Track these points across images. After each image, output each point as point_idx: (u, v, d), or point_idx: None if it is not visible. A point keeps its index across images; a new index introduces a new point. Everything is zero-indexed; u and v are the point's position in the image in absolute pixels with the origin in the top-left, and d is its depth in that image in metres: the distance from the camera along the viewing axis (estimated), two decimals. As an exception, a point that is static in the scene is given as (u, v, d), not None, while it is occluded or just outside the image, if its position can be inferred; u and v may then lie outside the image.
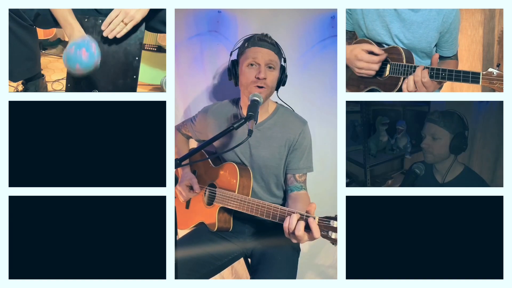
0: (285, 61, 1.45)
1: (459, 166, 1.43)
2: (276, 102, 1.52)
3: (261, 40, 1.37)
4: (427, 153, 1.43)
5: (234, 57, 1.46)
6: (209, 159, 1.57)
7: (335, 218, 1.07)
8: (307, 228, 1.08)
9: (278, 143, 1.45)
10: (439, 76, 1.31)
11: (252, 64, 1.36)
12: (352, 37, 1.59)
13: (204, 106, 1.63)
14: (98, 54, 1.36)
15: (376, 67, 1.43)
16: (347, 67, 1.48)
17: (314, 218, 1.08)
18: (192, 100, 1.92)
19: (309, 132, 1.50)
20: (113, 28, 1.40)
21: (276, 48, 1.39)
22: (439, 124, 1.39)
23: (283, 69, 1.44)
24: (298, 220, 1.09)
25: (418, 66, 1.34)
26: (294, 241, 1.12)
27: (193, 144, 1.74)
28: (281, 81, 1.44)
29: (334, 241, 1.06)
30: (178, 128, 1.72)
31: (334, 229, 1.05)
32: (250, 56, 1.36)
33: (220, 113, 1.55)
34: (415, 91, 1.36)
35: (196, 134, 1.63)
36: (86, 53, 1.32)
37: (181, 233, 1.60)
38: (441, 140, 1.39)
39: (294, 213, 1.12)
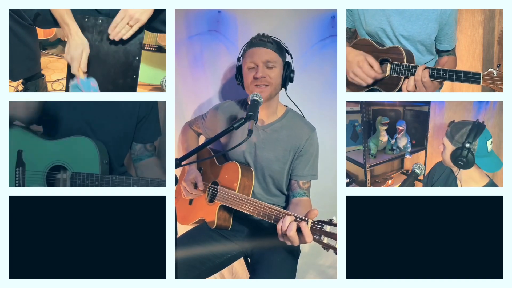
0: (291, 58, 1.45)
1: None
2: (286, 106, 1.53)
3: (258, 40, 1.38)
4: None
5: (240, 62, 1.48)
6: (214, 158, 1.58)
7: (328, 223, 1.07)
8: (300, 231, 1.10)
9: (284, 147, 1.45)
10: (440, 76, 1.31)
11: (251, 67, 1.38)
12: (352, 36, 1.59)
13: (215, 104, 1.64)
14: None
15: (370, 81, 1.45)
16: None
17: (307, 222, 1.09)
18: (192, 99, 1.91)
19: (317, 139, 1.49)
20: (119, 31, 1.41)
21: (274, 45, 1.39)
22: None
23: (287, 65, 1.44)
24: (291, 222, 1.11)
25: (419, 66, 1.35)
26: (288, 243, 1.13)
27: (203, 141, 1.74)
28: (287, 77, 1.43)
29: (326, 246, 1.06)
30: (189, 125, 1.73)
31: (327, 234, 1.06)
32: (248, 58, 1.38)
33: (229, 111, 1.56)
34: (415, 91, 1.36)
35: (206, 131, 1.64)
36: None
37: (182, 228, 1.60)
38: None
39: (289, 215, 1.14)
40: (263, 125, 1.47)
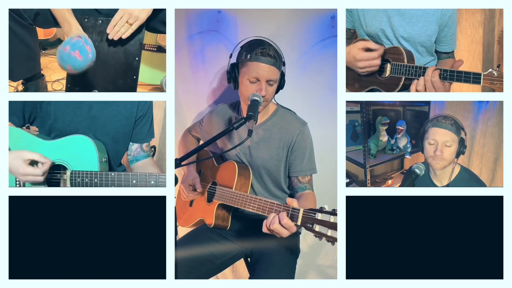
0: (284, 65, 1.43)
1: (456, 167, 1.42)
2: (277, 103, 1.53)
3: (263, 55, 1.33)
4: (437, 160, 1.38)
5: (233, 59, 1.45)
6: (213, 158, 1.58)
7: (320, 210, 1.07)
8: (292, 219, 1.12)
9: (277, 144, 1.46)
10: (441, 76, 1.31)
11: (253, 81, 1.35)
12: (352, 36, 1.59)
13: (210, 108, 1.65)
14: (93, 55, 1.35)
15: (378, 62, 1.42)
16: (350, 68, 1.48)
17: (299, 211, 1.11)
18: (192, 99, 1.92)
19: (309, 133, 1.48)
20: (118, 30, 1.40)
21: (277, 61, 1.36)
22: (452, 130, 1.36)
23: (282, 75, 1.43)
24: (274, 216, 1.14)
25: (428, 67, 1.34)
26: (278, 235, 1.15)
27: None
28: (280, 87, 1.44)
29: (318, 234, 1.06)
30: (189, 130, 1.75)
31: (318, 222, 1.06)
32: (251, 71, 1.34)
33: (223, 114, 1.57)
34: (425, 91, 1.36)
35: (204, 135, 1.65)
36: (80, 56, 1.32)
37: (183, 230, 1.60)
38: (452, 146, 1.37)
39: (282, 206, 1.16)
40: (255, 126, 1.46)
